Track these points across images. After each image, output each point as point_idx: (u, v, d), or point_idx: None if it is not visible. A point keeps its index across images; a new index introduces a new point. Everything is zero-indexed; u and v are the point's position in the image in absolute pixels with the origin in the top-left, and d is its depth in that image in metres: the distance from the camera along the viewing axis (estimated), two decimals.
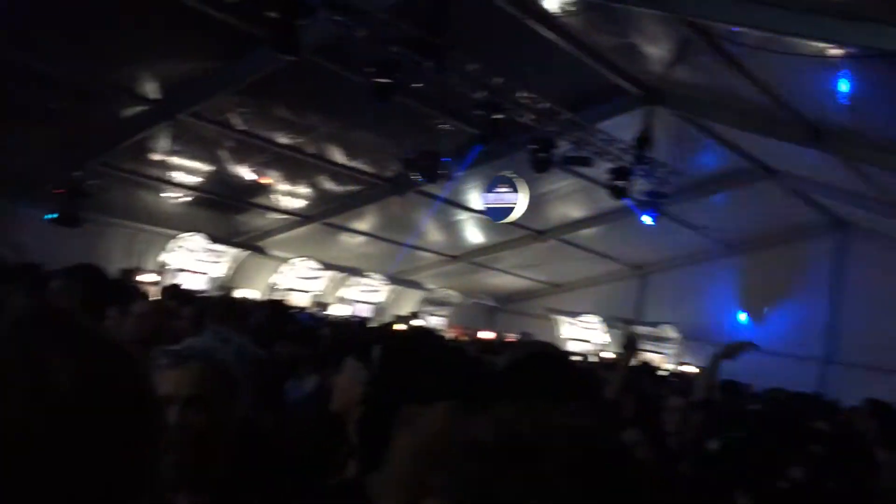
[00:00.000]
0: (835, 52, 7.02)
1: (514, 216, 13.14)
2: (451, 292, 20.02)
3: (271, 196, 14.49)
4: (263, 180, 13.79)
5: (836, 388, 13.49)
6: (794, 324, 16.69)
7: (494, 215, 13.52)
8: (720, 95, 10.06)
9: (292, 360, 5.72)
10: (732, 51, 8.17)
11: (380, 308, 19.15)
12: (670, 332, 18.80)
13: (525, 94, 10.07)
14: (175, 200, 14.01)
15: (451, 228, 16.95)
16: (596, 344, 19.38)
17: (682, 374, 14.41)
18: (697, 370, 14.69)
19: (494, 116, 9.88)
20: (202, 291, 13.64)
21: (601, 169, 11.89)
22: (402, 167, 12.24)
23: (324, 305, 17.46)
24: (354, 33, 8.21)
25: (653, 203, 12.77)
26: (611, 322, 19.40)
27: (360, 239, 16.95)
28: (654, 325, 18.37)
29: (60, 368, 0.81)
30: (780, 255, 17.13)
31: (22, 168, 11.37)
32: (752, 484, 3.48)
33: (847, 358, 15.96)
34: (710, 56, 8.48)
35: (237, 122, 11.67)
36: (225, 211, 14.99)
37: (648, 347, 17.79)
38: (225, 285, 15.62)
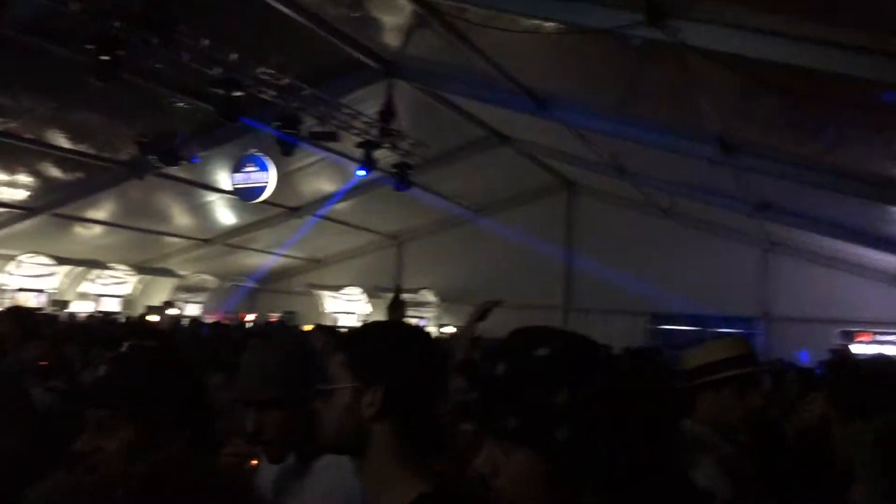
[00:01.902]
0: (548, 27, 7.64)
1: (264, 195, 12.89)
2: (206, 277, 19.24)
3: None
4: None
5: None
6: (537, 277, 18.17)
7: (244, 196, 13.16)
8: (453, 68, 10.54)
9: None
10: (460, 26, 8.58)
11: (128, 300, 17.95)
12: (429, 296, 19.63)
13: (264, 70, 9.86)
14: None
15: (200, 211, 16.24)
16: (360, 315, 19.72)
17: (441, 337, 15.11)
18: (454, 331, 15.53)
19: (233, 94, 9.58)
20: None
21: (349, 142, 12.01)
22: (140, 149, 11.50)
23: (63, 303, 16.02)
24: (67, 7, 7.52)
25: (401, 174, 13.15)
26: (372, 292, 19.81)
27: (98, 229, 15.70)
28: (414, 291, 19.03)
29: None
30: (521, 215, 18.48)
31: None
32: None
33: (582, 304, 17.75)
34: (440, 31, 8.84)
35: None
36: None
37: (410, 313, 18.40)
38: None
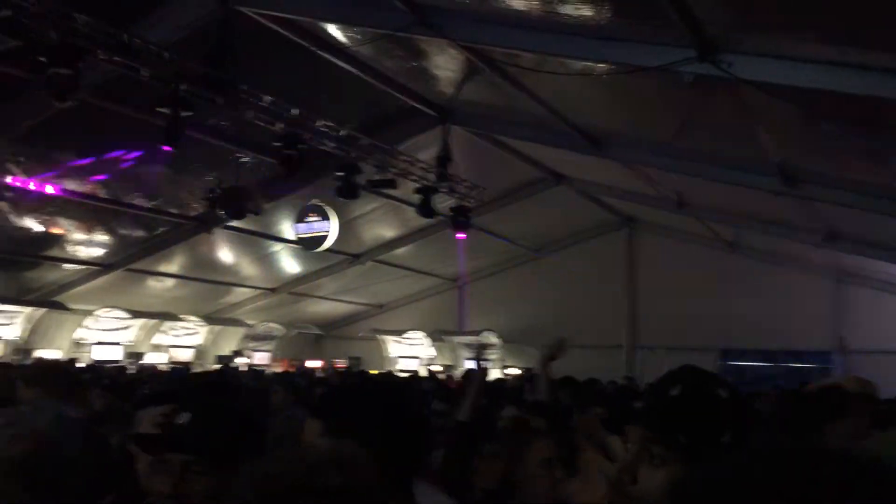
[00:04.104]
0: (599, 68, 7.71)
1: (326, 244, 13.16)
2: (273, 325, 19.63)
3: (66, 246, 13.55)
4: (54, 231, 12.88)
5: (644, 369, 14.80)
6: (600, 316, 17.96)
7: (307, 245, 13.47)
8: (507, 111, 10.70)
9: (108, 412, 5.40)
10: (512, 71, 8.73)
11: (200, 350, 18.41)
12: (492, 338, 19.57)
13: (324, 123, 10.16)
14: None
15: (266, 261, 16.67)
16: (423, 359, 19.78)
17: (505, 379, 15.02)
18: (520, 373, 15.44)
19: (295, 147, 9.88)
20: None
21: (408, 189, 12.21)
22: (207, 205, 11.91)
23: (138, 355, 16.54)
24: (138, 73, 7.94)
25: (459, 218, 13.27)
26: (435, 336, 19.88)
27: (170, 282, 16.23)
28: (475, 333, 19.02)
29: None
30: (581, 253, 18.38)
31: None
32: None
33: (648, 342, 17.44)
34: (492, 76, 9.00)
35: (16, 171, 10.84)
36: (11, 268, 13.82)
37: (472, 356, 18.37)
38: (23, 347, 14.40)
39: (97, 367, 11.05)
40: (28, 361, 12.05)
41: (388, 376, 12.05)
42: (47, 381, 4.13)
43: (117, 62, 7.61)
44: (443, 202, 13.00)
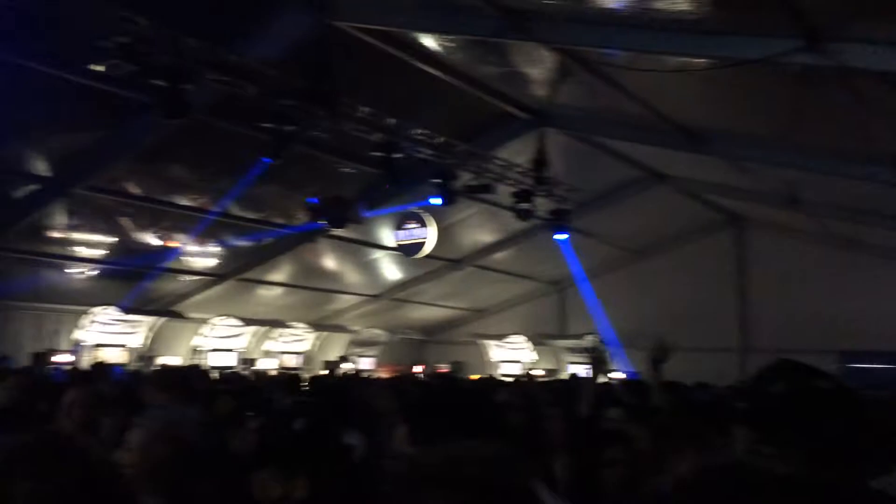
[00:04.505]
0: (698, 62, 7.49)
1: (425, 250, 13.33)
2: (376, 331, 20.01)
3: (181, 259, 14.27)
4: (171, 244, 13.60)
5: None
6: (708, 318, 17.37)
7: (407, 251, 13.68)
8: (603, 112, 10.54)
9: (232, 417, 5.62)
10: (605, 70, 8.60)
11: (308, 356, 18.98)
12: (595, 341, 19.26)
13: (419, 131, 10.30)
14: (81, 276, 13.65)
15: (368, 268, 17.02)
16: (526, 363, 19.70)
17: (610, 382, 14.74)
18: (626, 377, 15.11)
19: (393, 156, 10.07)
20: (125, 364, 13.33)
21: (505, 193, 12.21)
22: (311, 215, 12.29)
23: (251, 361, 17.21)
24: (244, 91, 8.29)
25: (558, 220, 13.16)
26: (537, 340, 19.76)
27: (278, 290, 16.82)
28: (577, 337, 18.78)
29: None
30: (685, 254, 17.86)
31: None
32: None
33: (760, 344, 16.73)
34: (586, 76, 8.90)
35: (135, 189, 11.52)
36: (134, 280, 14.66)
37: (575, 360, 18.17)
38: (146, 354, 15.25)
39: (223, 373, 11.55)
40: (151, 368, 12.74)
41: (487, 381, 12.06)
42: (175, 387, 4.37)
43: (224, 81, 7.98)
44: (541, 206, 12.93)
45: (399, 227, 13.53)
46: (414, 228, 13.23)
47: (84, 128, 9.98)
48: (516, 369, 18.99)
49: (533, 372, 17.84)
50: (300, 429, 2.13)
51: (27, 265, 12.64)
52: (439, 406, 1.84)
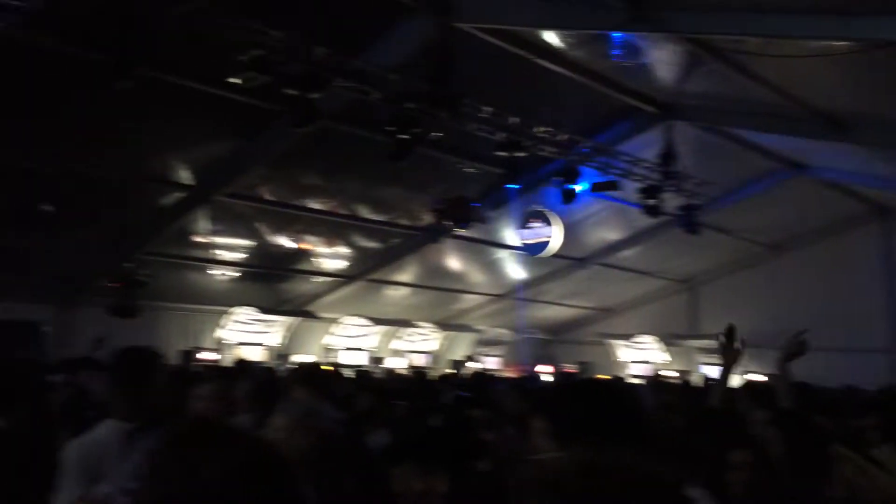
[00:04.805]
0: (839, 46, 7.06)
1: (551, 249, 13.22)
2: (502, 330, 20.05)
3: (313, 261, 14.84)
4: (303, 247, 14.17)
5: None
6: (852, 317, 16.29)
7: (531, 251, 13.62)
8: (735, 101, 10.11)
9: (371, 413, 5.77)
10: (738, 58, 8.25)
11: (435, 355, 19.26)
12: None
13: (543, 129, 10.24)
14: (222, 278, 14.45)
15: (492, 267, 17.08)
16: (656, 363, 19.17)
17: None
18: (766, 378, 14.43)
19: (516, 155, 10.07)
20: (261, 362, 13.98)
21: (631, 189, 11.95)
22: (435, 216, 12.47)
23: (379, 360, 17.65)
24: (369, 96, 8.53)
25: (688, 216, 12.73)
26: (668, 340, 19.19)
27: (405, 290, 17.16)
28: (710, 337, 18.07)
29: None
30: (825, 248, 16.85)
31: (79, 268, 11.97)
32: None
33: None
34: (717, 66, 8.57)
35: (269, 195, 12.09)
36: (271, 281, 15.39)
37: (708, 360, 17.51)
38: (282, 353, 15.94)
39: (359, 371, 11.90)
40: (286, 366, 13.30)
41: (617, 382, 11.80)
42: (314, 383, 4.55)
43: (351, 87, 8.24)
44: (669, 201, 12.55)
45: (523, 225, 13.49)
46: (539, 227, 13.16)
47: (222, 138, 10.56)
48: (646, 370, 18.52)
49: (664, 373, 17.32)
50: (439, 424, 2.17)
51: (174, 268, 13.51)
52: (582, 398, 1.80)
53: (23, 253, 11.37)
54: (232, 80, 7.57)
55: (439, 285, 17.29)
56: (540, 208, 13.09)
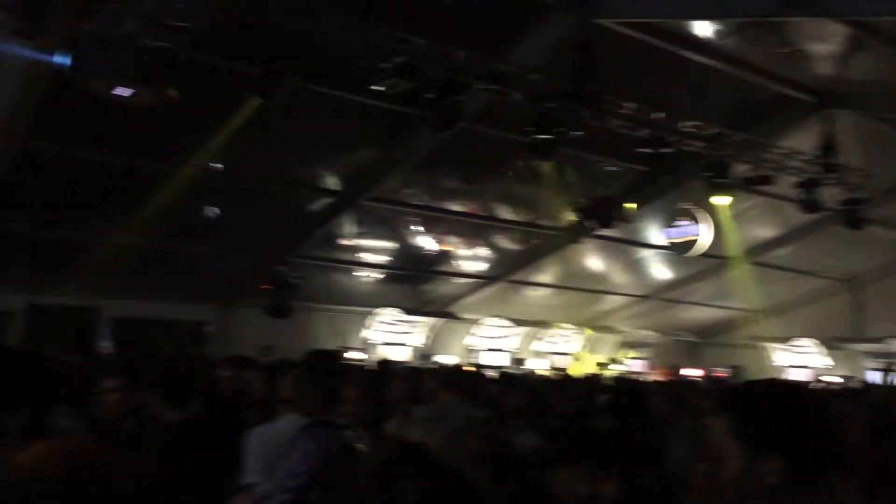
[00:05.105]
0: None
1: (699, 248, 12.69)
2: (647, 332, 19.48)
3: (454, 262, 15.03)
4: (445, 248, 14.38)
5: None
6: None
7: (679, 250, 13.12)
8: None
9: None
10: None
11: (577, 357, 18.98)
12: None
13: (690, 123, 9.85)
14: (367, 279, 14.91)
15: (636, 267, 16.64)
16: (817, 368, 17.99)
17: None
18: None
19: (661, 151, 9.74)
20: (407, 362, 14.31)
21: (786, 184, 11.27)
22: (579, 216, 12.27)
23: (520, 361, 17.60)
24: (510, 97, 8.52)
25: (851, 211, 11.85)
26: (830, 344, 17.96)
27: (545, 291, 17.03)
28: (877, 340, 16.77)
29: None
30: None
31: (236, 271, 12.74)
32: None
33: None
34: (882, 50, 7.91)
35: (412, 198, 12.35)
36: (413, 283, 15.72)
37: (877, 365, 16.23)
38: (425, 353, 16.24)
39: (504, 373, 11.90)
40: (429, 366, 13.52)
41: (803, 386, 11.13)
42: (461, 386, 4.59)
43: (491, 89, 8.26)
44: (830, 195, 11.73)
45: (670, 224, 13.02)
46: (686, 225, 12.65)
47: (367, 144, 10.90)
48: (805, 375, 17.41)
49: (825, 378, 16.21)
50: (607, 427, 2.11)
51: (322, 271, 14.08)
52: (765, 397, 1.68)
53: (187, 257, 12.25)
54: (375, 87, 7.78)
55: (581, 286, 17.02)
56: (687, 206, 12.59)
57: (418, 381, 5.56)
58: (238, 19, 7.36)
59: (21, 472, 0.84)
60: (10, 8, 5.69)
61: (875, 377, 14.79)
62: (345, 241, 13.28)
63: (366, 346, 15.46)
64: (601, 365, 17.63)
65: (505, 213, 13.38)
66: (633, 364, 18.94)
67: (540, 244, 14.59)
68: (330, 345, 14.35)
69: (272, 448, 2.89)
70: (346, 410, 4.14)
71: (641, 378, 15.30)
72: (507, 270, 15.47)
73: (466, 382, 4.49)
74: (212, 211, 10.21)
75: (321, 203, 12.06)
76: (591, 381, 10.11)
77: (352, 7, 7.35)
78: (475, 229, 13.80)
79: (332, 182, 11.68)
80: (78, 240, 10.92)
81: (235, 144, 9.27)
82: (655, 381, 12.27)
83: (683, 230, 12.73)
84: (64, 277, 10.97)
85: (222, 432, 3.19)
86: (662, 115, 9.45)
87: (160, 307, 12.52)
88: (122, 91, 6.50)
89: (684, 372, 18.05)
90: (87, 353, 9.49)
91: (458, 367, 8.39)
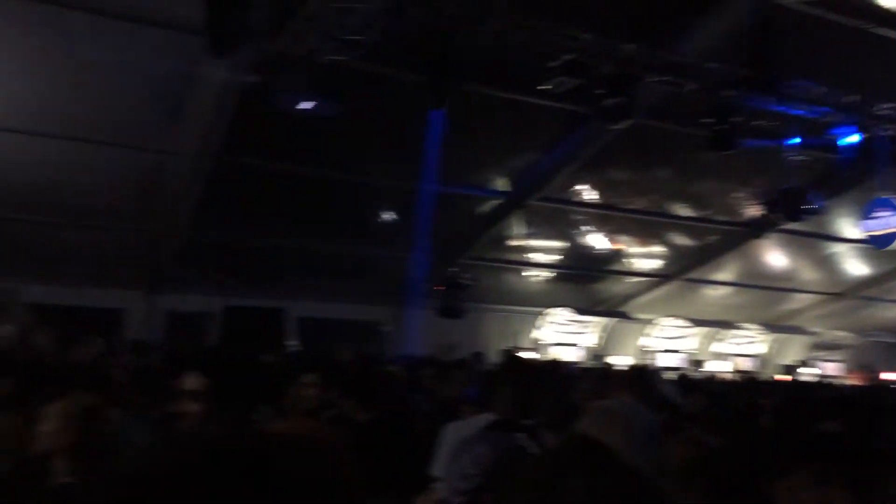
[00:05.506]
0: None
1: None
2: (841, 333, 18.02)
3: (626, 261, 14.66)
4: (617, 246, 14.06)
5: None
6: None
7: (879, 243, 11.98)
8: None
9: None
10: None
11: (762, 359, 17.91)
12: None
13: (888, 105, 9.02)
14: (537, 279, 14.87)
15: (826, 263, 15.45)
16: None
17: None
18: None
19: (856, 138, 9.00)
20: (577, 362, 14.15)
21: None
22: (766, 209, 11.57)
23: (699, 363, 16.87)
24: (683, 88, 8.18)
25: None
26: None
27: (725, 290, 16.22)
28: None
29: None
30: None
31: (409, 273, 13.15)
32: None
33: None
34: None
35: (581, 196, 12.19)
36: (584, 282, 15.49)
37: None
38: (598, 353, 15.97)
39: (681, 375, 11.44)
40: (601, 366, 13.27)
41: None
42: (638, 386, 4.49)
43: (664, 81, 7.98)
44: None
45: (867, 215, 11.93)
46: (887, 216, 11.52)
47: (535, 144, 10.87)
48: None
49: None
50: (837, 432, 1.98)
51: (493, 271, 14.19)
52: None
53: (363, 260, 12.79)
54: (543, 86, 7.74)
55: (764, 284, 16.05)
56: (888, 195, 11.48)
57: (601, 380, 5.49)
58: (408, 29, 7.57)
59: (296, 437, 0.87)
60: (204, 33, 6.20)
61: None
62: (514, 242, 13.33)
63: (537, 347, 15.43)
64: (789, 368, 16.55)
65: (679, 208, 12.88)
66: (826, 367, 17.62)
67: (717, 240, 13.92)
68: (501, 345, 14.49)
69: (461, 443, 2.95)
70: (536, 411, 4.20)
71: (838, 383, 14.23)
72: (682, 268, 14.88)
73: (647, 384, 4.38)
74: (389, 214, 10.61)
75: (490, 205, 12.18)
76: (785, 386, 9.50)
77: (517, 9, 7.35)
78: (648, 226, 13.38)
79: (500, 183, 11.76)
80: (267, 246, 11.73)
81: (406, 149, 9.55)
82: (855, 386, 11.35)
83: (884, 221, 11.60)
84: (255, 281, 11.85)
85: (404, 433, 3.29)
86: (858, 97, 8.72)
87: (341, 308, 13.18)
88: (306, 104, 6.91)
89: (884, 376, 16.54)
90: (279, 352, 10.17)
91: (642, 368, 8.17)
